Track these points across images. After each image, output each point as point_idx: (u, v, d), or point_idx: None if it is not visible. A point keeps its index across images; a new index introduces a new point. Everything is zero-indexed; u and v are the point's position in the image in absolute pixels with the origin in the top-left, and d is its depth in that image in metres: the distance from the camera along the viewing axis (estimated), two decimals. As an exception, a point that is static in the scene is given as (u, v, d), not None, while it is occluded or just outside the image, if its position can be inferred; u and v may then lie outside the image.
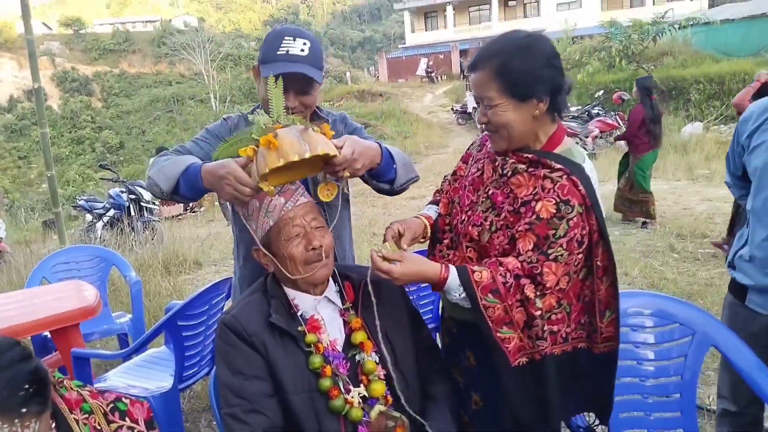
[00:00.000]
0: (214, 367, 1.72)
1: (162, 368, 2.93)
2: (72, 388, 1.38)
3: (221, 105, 41.73)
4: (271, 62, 1.74)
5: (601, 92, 16.13)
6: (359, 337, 1.55)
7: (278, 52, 1.73)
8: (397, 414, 1.47)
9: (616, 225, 7.05)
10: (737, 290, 2.05)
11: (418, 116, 23.13)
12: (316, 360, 1.48)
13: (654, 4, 35.26)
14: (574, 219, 1.38)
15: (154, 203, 9.04)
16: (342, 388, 1.49)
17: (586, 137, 12.89)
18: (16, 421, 1.05)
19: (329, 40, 73.73)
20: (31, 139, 41.23)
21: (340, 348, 1.55)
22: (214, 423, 3.14)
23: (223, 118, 1.99)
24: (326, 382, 1.47)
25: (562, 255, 1.38)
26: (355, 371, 1.53)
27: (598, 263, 1.42)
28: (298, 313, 1.55)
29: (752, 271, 1.94)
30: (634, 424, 1.86)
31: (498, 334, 1.39)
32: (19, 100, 47.95)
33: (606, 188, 9.50)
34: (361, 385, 1.51)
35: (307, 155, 1.37)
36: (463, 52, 34.98)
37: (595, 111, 13.98)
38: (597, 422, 2.22)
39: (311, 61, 1.76)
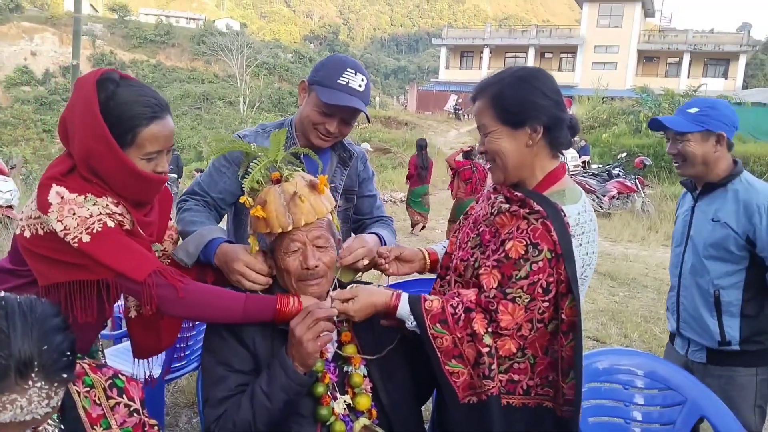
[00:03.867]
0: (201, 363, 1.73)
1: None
2: None
3: (249, 110, 42.21)
4: (331, 88, 1.86)
5: (624, 154, 16.15)
6: (349, 350, 1.55)
7: (339, 81, 1.86)
8: (380, 430, 1.47)
9: (622, 286, 7.00)
10: (671, 335, 2.39)
11: (440, 150, 23.17)
12: (319, 364, 1.47)
13: (689, 77, 35.51)
14: (540, 263, 1.35)
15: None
16: (331, 395, 1.49)
17: (603, 196, 12.89)
18: (55, 385, 1.06)
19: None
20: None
21: (329, 357, 1.55)
22: (195, 420, 3.12)
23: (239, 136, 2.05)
24: (320, 388, 1.48)
25: (520, 297, 1.35)
26: (342, 381, 1.54)
27: (563, 317, 1.37)
28: None
29: (671, 318, 2.33)
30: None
31: (447, 367, 1.37)
32: (54, 75, 48.82)
33: (616, 249, 9.50)
34: (347, 396, 1.51)
35: (289, 228, 1.48)
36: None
37: (615, 171, 13.98)
38: None
39: (365, 98, 1.90)
